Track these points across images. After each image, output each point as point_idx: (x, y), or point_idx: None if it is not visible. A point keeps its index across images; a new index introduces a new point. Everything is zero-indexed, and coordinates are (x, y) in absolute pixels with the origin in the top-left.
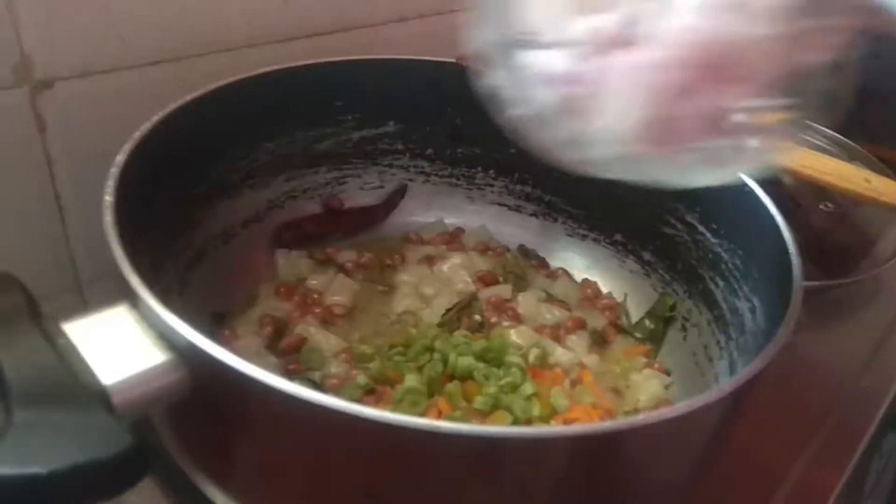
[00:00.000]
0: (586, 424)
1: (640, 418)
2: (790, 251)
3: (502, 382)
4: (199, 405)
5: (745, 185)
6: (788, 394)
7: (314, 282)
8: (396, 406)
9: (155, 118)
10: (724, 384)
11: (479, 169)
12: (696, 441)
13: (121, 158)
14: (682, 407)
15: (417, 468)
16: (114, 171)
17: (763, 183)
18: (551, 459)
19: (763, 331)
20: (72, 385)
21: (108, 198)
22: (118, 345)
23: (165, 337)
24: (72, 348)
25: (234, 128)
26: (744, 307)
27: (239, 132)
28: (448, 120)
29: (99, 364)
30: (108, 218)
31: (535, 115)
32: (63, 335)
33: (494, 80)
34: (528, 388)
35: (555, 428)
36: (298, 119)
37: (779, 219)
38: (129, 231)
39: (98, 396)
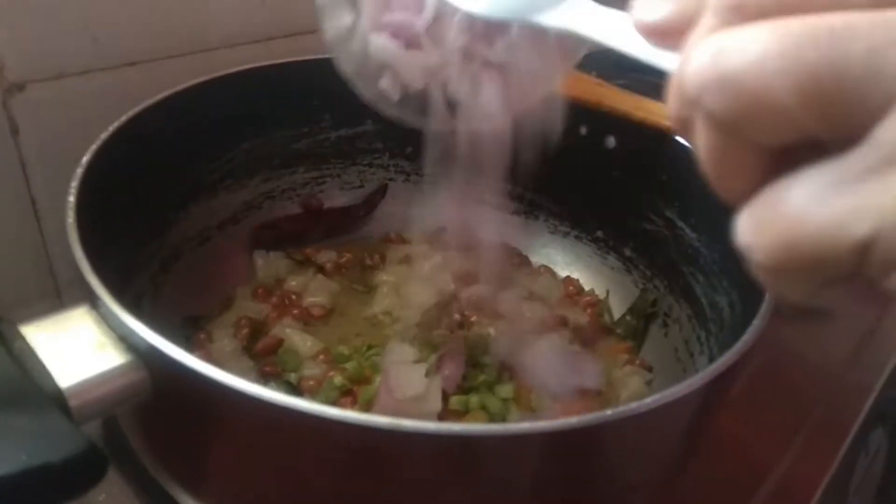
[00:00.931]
0: (557, 421)
1: (612, 412)
2: None
3: (478, 382)
4: (161, 407)
5: None
6: (775, 387)
7: (292, 283)
8: (364, 406)
9: (124, 118)
10: (697, 376)
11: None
12: (673, 433)
13: (86, 159)
14: (654, 399)
15: (385, 468)
16: (79, 172)
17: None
18: (522, 456)
19: (742, 324)
20: (27, 388)
21: (72, 199)
22: (77, 347)
23: (125, 338)
24: (29, 351)
25: (209, 128)
26: (723, 301)
27: (214, 132)
28: None
29: (56, 367)
30: (71, 219)
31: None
32: (20, 338)
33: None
34: (506, 389)
35: (522, 425)
36: (275, 118)
37: None
38: (95, 232)
39: (54, 399)
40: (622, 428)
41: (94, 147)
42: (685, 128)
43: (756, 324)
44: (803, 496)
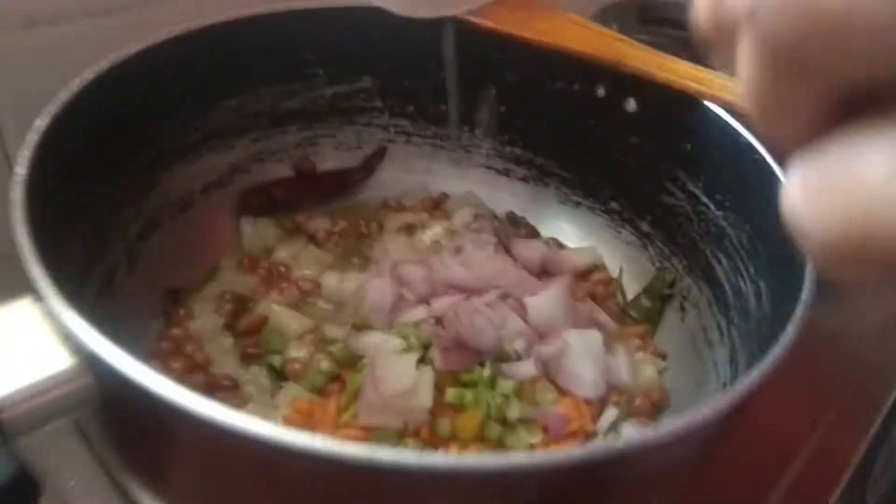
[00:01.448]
0: (553, 454)
1: (618, 446)
2: None
3: (474, 375)
4: (110, 417)
5: (756, 153)
6: (805, 363)
7: (282, 253)
8: (351, 396)
9: (90, 74)
10: (717, 402)
11: (465, 129)
12: (686, 459)
13: (41, 123)
14: (667, 430)
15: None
16: (31, 140)
17: (771, 148)
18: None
19: (769, 319)
20: None
21: (21, 171)
22: (14, 347)
23: (70, 338)
24: None
25: (192, 83)
26: (749, 290)
27: (197, 88)
28: (431, 75)
29: None
30: (19, 194)
31: None
32: None
33: None
34: (507, 384)
35: (511, 458)
36: (264, 73)
37: None
38: (53, 208)
39: None
40: (630, 461)
41: (51, 109)
42: (720, 39)
43: (789, 331)
44: (832, 476)
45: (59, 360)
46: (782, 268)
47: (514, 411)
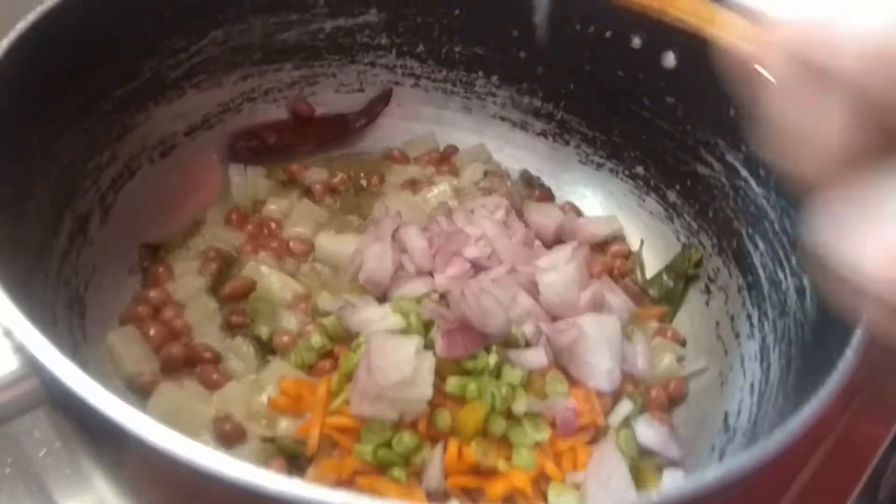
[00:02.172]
0: None
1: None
2: None
3: (478, 362)
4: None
5: None
6: None
7: (273, 206)
8: (344, 379)
9: (49, 2)
10: (742, 459)
11: (481, 74)
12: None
13: None
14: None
15: None
16: None
17: None
18: None
19: (813, 325)
20: None
21: None
22: None
23: (11, 335)
24: None
25: (171, 10)
26: (789, 283)
27: (177, 16)
28: (445, 9)
29: None
30: None
31: None
32: None
33: None
34: (514, 373)
35: None
36: (255, 1)
37: None
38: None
39: None
40: None
41: (4, 45)
42: None
43: (847, 356)
44: (863, 455)
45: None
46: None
47: (521, 405)
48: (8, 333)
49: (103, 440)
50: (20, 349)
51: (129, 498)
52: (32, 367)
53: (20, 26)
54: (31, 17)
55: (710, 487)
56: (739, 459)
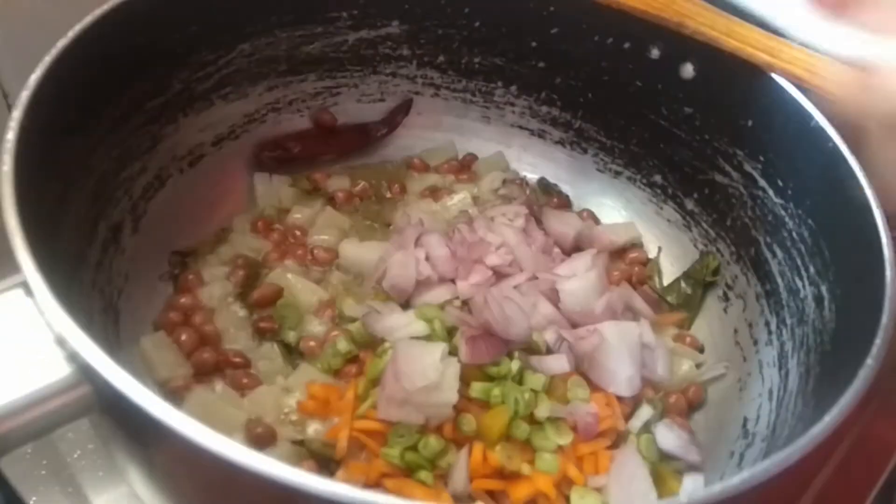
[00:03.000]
0: None
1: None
2: (883, 249)
3: (501, 368)
4: (108, 421)
5: (829, 140)
6: None
7: (297, 215)
8: (370, 384)
9: (89, 19)
10: (764, 466)
11: (499, 84)
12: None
13: (35, 78)
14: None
15: None
16: (24, 97)
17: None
18: None
19: (832, 333)
20: None
21: (11, 137)
22: (2, 349)
23: (65, 343)
24: None
25: (201, 26)
26: (807, 291)
27: (207, 31)
28: (465, 21)
29: None
30: (7, 166)
31: None
32: None
33: None
34: (535, 379)
35: None
36: (282, 15)
37: (871, 196)
38: (51, 168)
39: None
40: None
41: (46, 61)
42: None
43: (868, 365)
44: (880, 459)
45: (55, 368)
46: (852, 275)
47: (544, 410)
48: (61, 342)
49: (151, 441)
50: (73, 357)
51: (166, 496)
52: (85, 374)
53: (60, 44)
54: (71, 34)
55: (736, 491)
56: (765, 464)
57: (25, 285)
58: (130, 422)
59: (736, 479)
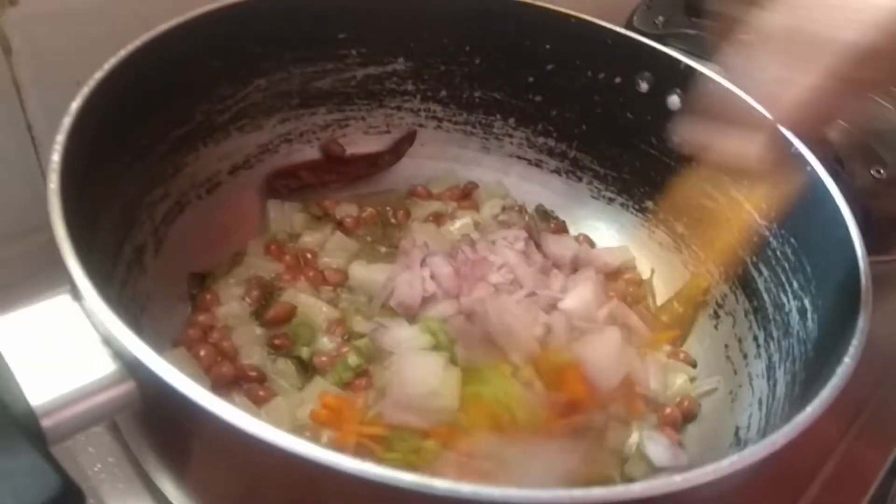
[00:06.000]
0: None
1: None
2: (858, 260)
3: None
4: (149, 417)
5: (808, 165)
6: None
7: (308, 238)
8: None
9: (123, 52)
10: (757, 448)
11: (498, 116)
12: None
13: (76, 106)
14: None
15: None
16: (66, 123)
17: (808, 142)
18: None
19: (814, 342)
20: None
21: (56, 157)
22: (54, 350)
23: (110, 343)
24: None
25: (222, 61)
26: (791, 305)
27: (227, 66)
28: (466, 59)
29: (27, 378)
30: (54, 184)
31: None
32: None
33: None
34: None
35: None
36: (295, 52)
37: (847, 214)
38: (85, 197)
39: (23, 423)
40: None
41: (86, 90)
42: None
43: (845, 363)
44: (864, 479)
45: (101, 365)
46: (830, 290)
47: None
48: (108, 341)
49: (193, 431)
50: (119, 355)
51: (197, 497)
52: (131, 369)
53: (98, 75)
54: (107, 66)
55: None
56: (756, 446)
57: (72, 290)
58: (172, 413)
59: (735, 457)
